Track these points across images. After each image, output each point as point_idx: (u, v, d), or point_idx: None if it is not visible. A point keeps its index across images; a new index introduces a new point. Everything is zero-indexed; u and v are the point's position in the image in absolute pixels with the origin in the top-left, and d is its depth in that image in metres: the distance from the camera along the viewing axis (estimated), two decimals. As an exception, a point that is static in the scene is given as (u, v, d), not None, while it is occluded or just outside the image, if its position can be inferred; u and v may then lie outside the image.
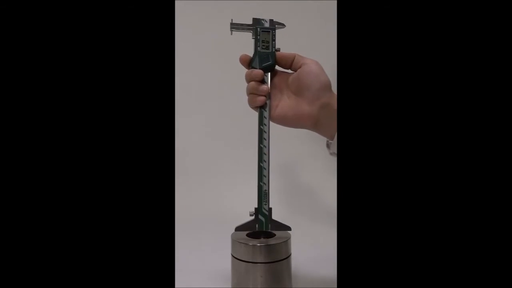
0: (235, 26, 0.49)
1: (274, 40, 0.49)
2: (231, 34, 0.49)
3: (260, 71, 0.48)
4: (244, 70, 0.50)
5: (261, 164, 0.48)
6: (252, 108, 0.50)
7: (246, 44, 0.51)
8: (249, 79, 0.49)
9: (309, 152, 0.88)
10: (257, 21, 0.49)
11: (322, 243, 0.66)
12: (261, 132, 0.48)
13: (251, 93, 0.49)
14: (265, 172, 0.48)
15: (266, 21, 0.49)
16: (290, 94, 0.49)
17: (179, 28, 0.53)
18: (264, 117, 0.48)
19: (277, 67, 0.50)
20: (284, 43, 0.50)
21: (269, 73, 0.49)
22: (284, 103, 0.49)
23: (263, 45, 0.49)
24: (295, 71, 0.48)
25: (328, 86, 0.47)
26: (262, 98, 0.48)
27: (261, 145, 0.48)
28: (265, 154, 0.48)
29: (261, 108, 0.48)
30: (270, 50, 0.49)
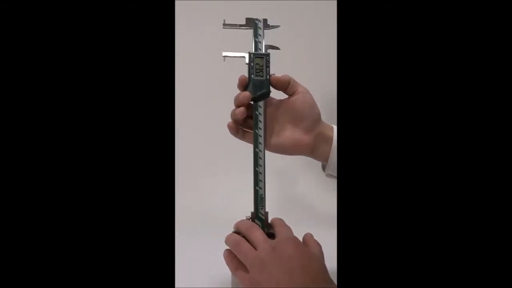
0: (228, 27, 0.48)
1: (268, 66, 0.47)
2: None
3: (247, 94, 0.46)
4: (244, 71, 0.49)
5: (256, 168, 0.47)
6: (234, 131, 0.48)
7: (247, 43, 0.51)
8: (237, 103, 0.47)
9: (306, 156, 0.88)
10: (250, 21, 0.48)
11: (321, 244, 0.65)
12: (256, 136, 0.47)
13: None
14: (261, 177, 0.47)
15: (260, 21, 0.48)
16: (284, 124, 0.49)
17: (179, 28, 0.53)
18: (259, 121, 0.47)
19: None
20: (284, 44, 0.49)
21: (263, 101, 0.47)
22: (280, 132, 0.49)
23: (257, 72, 0.47)
24: (289, 95, 0.49)
25: (320, 116, 0.49)
26: (242, 109, 0.46)
27: (256, 149, 0.47)
28: (261, 159, 0.47)
29: (255, 111, 0.47)
30: (264, 78, 0.47)
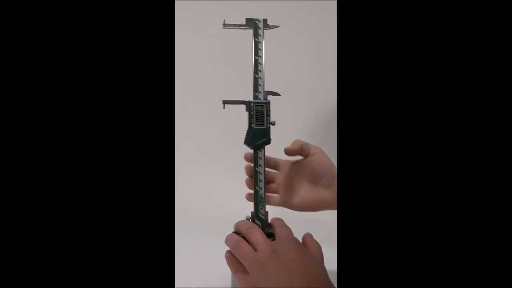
0: (228, 27, 0.48)
1: (268, 115, 0.47)
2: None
3: (249, 167, 0.48)
4: (247, 78, 0.49)
5: (256, 168, 0.47)
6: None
7: (247, 44, 0.51)
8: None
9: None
10: (250, 21, 0.48)
11: (320, 243, 0.66)
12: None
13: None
14: (261, 177, 0.47)
15: (260, 21, 0.48)
16: (303, 183, 0.52)
17: (179, 28, 0.53)
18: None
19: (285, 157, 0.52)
20: (285, 44, 0.49)
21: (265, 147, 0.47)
22: (301, 192, 0.52)
23: (257, 121, 0.46)
24: (304, 156, 0.52)
25: (336, 171, 0.51)
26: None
27: (256, 150, 0.47)
28: (261, 159, 0.47)
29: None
30: (265, 126, 0.46)
